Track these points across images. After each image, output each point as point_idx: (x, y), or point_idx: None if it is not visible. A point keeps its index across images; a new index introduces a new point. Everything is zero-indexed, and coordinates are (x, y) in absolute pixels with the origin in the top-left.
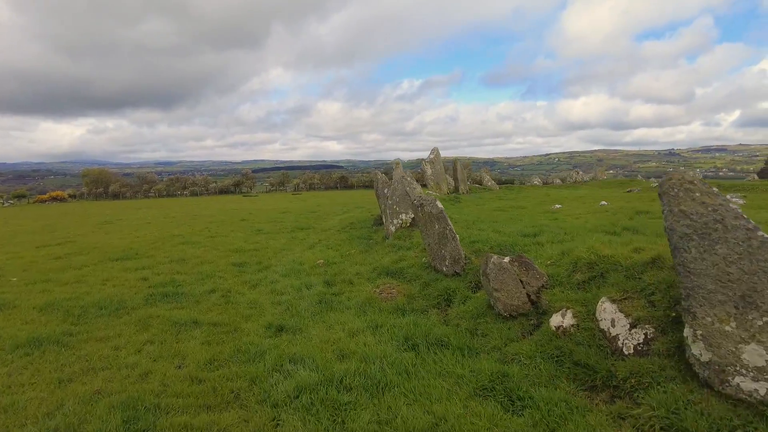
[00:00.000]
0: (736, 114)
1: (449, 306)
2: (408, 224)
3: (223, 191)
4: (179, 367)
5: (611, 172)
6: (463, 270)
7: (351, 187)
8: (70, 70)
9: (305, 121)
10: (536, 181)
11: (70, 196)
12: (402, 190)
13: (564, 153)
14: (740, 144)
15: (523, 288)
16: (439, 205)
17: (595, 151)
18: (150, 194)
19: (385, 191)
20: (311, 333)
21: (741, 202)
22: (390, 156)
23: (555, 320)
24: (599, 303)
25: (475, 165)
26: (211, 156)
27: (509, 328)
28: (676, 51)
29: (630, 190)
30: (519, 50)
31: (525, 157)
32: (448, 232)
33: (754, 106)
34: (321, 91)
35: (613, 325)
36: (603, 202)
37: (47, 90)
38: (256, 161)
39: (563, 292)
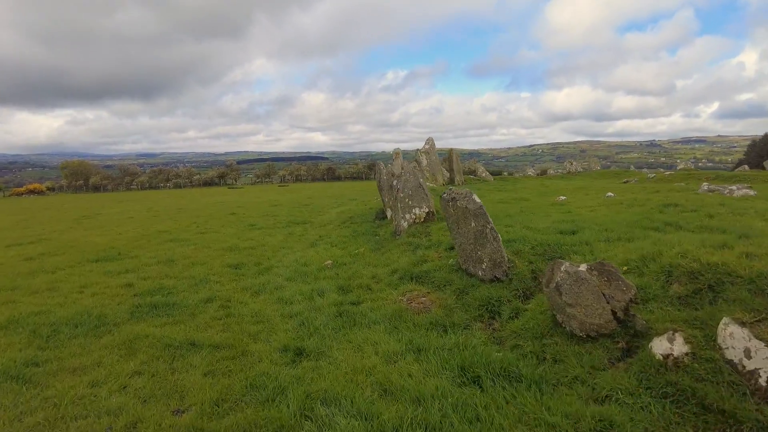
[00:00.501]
0: (715, 106)
1: (494, 319)
2: (422, 219)
3: (208, 183)
4: (177, 412)
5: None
6: (505, 275)
7: (338, 178)
8: (45, 59)
9: (289, 112)
10: (530, 171)
11: (48, 188)
12: (415, 182)
13: (548, 144)
14: (719, 135)
15: (607, 303)
16: (477, 199)
17: (579, 142)
18: (132, 186)
19: (394, 183)
20: (337, 358)
21: (752, 193)
22: (375, 147)
23: (660, 346)
24: (721, 326)
25: (460, 156)
26: (193, 147)
27: (589, 353)
28: (658, 43)
29: (626, 181)
30: (503, 41)
31: (509, 148)
32: (488, 231)
33: (732, 98)
34: (305, 82)
35: (748, 357)
36: (609, 194)
37: (22, 79)
38: (239, 153)
39: (662, 308)
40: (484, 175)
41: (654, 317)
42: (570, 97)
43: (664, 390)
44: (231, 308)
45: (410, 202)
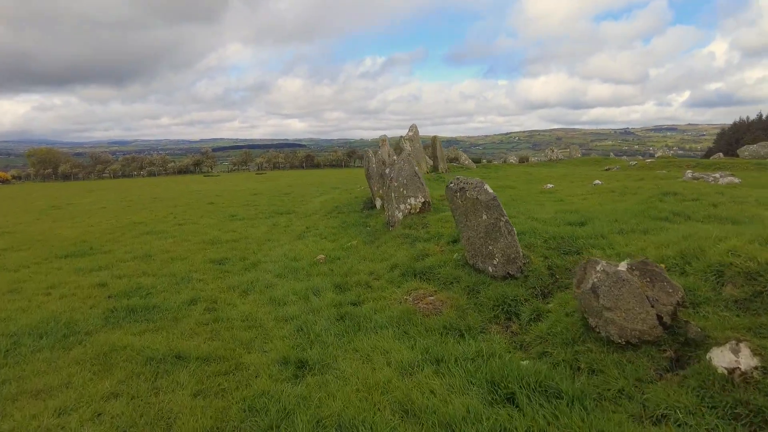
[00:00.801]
0: (686, 95)
1: (511, 321)
2: (418, 210)
3: (183, 171)
4: None
5: (565, 150)
6: (520, 272)
7: (317, 166)
8: (8, 43)
9: (265, 99)
10: (512, 159)
11: (14, 177)
12: (410, 171)
13: (524, 132)
14: (689, 124)
15: (651, 307)
16: (490, 190)
17: (554, 129)
18: (104, 175)
19: (386, 171)
20: (345, 370)
21: (737, 180)
22: (354, 134)
23: (722, 358)
24: None
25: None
26: (167, 135)
27: (631, 363)
28: (633, 32)
29: (608, 168)
30: (481, 28)
31: (486, 136)
32: (502, 224)
33: (702, 88)
34: (281, 68)
35: None
36: (597, 182)
37: None
38: (214, 140)
39: (717, 314)
40: (466, 162)
41: (709, 324)
42: (546, 85)
43: (734, 411)
44: (218, 311)
45: (405, 192)
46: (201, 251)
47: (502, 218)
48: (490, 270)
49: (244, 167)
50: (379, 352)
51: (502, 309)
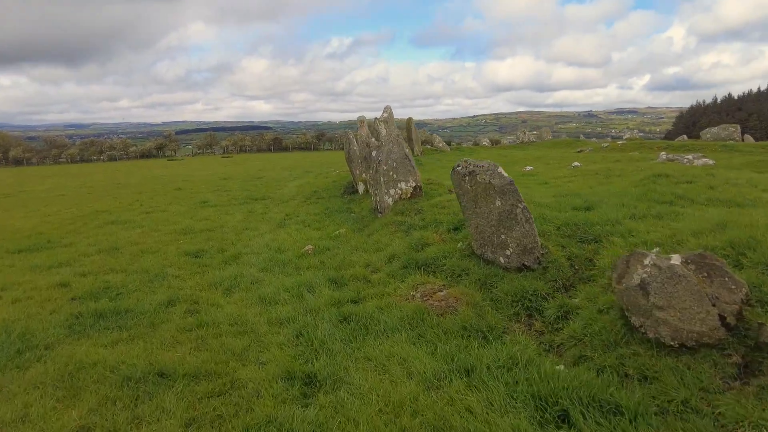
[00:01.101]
0: (646, 78)
1: (533, 318)
2: (409, 195)
3: (145, 155)
4: None
5: (535, 132)
6: (537, 263)
7: (286, 149)
8: None
9: (229, 80)
10: (485, 141)
11: None
12: (400, 154)
13: (491, 114)
14: (649, 107)
15: (712, 305)
16: (504, 173)
17: (520, 112)
18: (61, 160)
19: (373, 154)
20: (361, 386)
21: (711, 162)
22: (321, 117)
23: None
24: None
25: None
26: (127, 117)
27: (690, 369)
28: (596, 16)
29: (581, 150)
30: (448, 9)
31: (454, 119)
32: (519, 211)
33: (661, 72)
34: (246, 48)
35: None
36: (576, 163)
37: None
38: (177, 123)
39: None
40: (440, 145)
41: None
42: (513, 67)
43: None
44: (201, 313)
45: (395, 176)
46: (174, 242)
47: (519, 204)
48: (502, 261)
49: (209, 151)
50: (395, 360)
51: (522, 305)
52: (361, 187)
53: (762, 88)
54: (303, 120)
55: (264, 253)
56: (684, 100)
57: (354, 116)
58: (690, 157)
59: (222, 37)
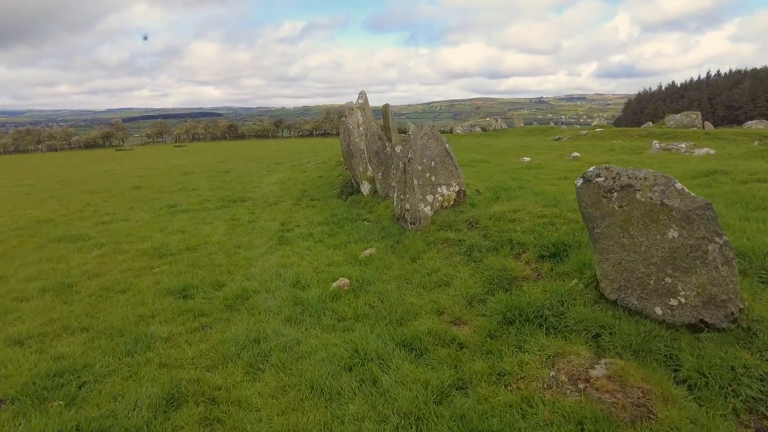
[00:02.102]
0: (593, 66)
1: (763, 419)
2: (452, 202)
3: (91, 145)
4: None
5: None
6: (731, 321)
7: (242, 137)
8: None
9: (177, 65)
10: (458, 129)
11: None
12: (440, 150)
13: (445, 101)
14: (597, 93)
15: None
16: (687, 190)
17: (473, 99)
18: None
19: (398, 150)
20: None
21: (713, 152)
22: (275, 103)
23: None
24: None
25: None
26: (67, 104)
27: None
28: (547, 3)
29: (558, 138)
30: None
31: (409, 105)
32: (713, 248)
33: (607, 59)
34: (194, 31)
35: None
36: (575, 154)
37: None
38: (123, 110)
39: None
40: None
41: None
42: (466, 54)
43: None
44: (227, 426)
45: (433, 178)
46: (147, 272)
47: (716, 239)
48: (660, 313)
49: (159, 139)
50: None
51: (739, 396)
52: (365, 187)
53: (702, 77)
54: (256, 106)
55: (279, 289)
56: (628, 88)
57: (309, 102)
58: (683, 146)
59: (168, 20)
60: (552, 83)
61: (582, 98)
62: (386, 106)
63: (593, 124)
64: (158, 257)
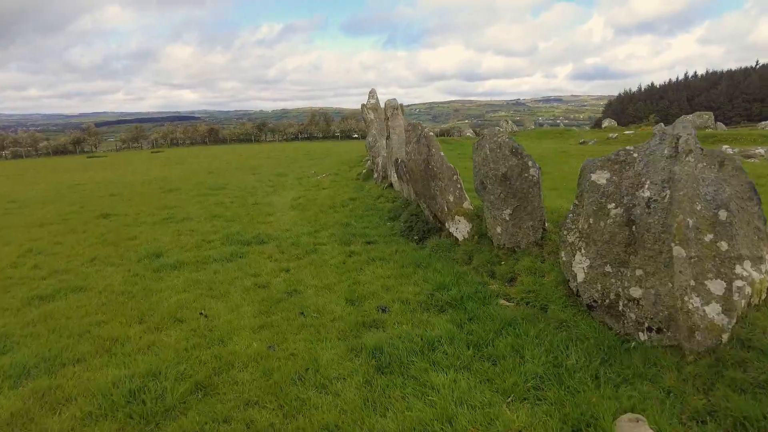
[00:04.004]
0: (569, 67)
1: None
2: (765, 296)
3: (60, 151)
4: None
5: (467, 121)
6: None
7: (223, 141)
8: None
9: (152, 68)
10: (468, 132)
11: None
12: (737, 188)
13: (424, 104)
14: (572, 95)
15: None
16: None
17: (452, 101)
18: None
19: (600, 180)
20: None
21: None
22: (253, 105)
23: None
24: None
25: (338, 116)
26: (38, 108)
27: None
28: (524, 5)
29: (584, 142)
30: None
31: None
32: None
33: (582, 61)
34: (169, 34)
35: None
36: None
37: None
38: (97, 114)
39: None
40: None
41: None
42: (444, 56)
43: None
44: None
45: (725, 246)
46: None
47: None
48: None
49: (135, 145)
50: None
51: None
52: (461, 227)
53: (680, 78)
54: (233, 109)
55: None
56: (603, 89)
57: (288, 105)
58: (761, 150)
59: (142, 22)
60: (529, 85)
61: (558, 100)
62: (400, 106)
63: (604, 125)
64: (142, 421)
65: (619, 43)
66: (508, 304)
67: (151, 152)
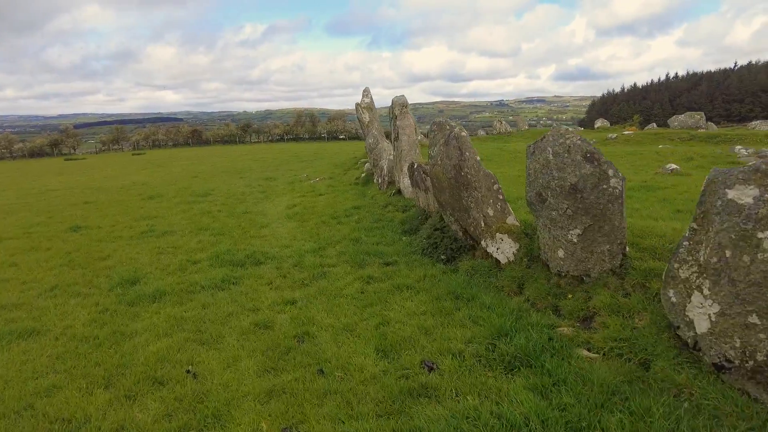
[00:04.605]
0: (552, 68)
1: None
2: None
3: (36, 153)
4: None
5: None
6: None
7: (206, 142)
8: None
9: (133, 68)
10: (481, 132)
11: None
12: None
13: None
14: (555, 95)
15: None
16: None
17: (436, 102)
18: None
19: (746, 199)
20: None
21: None
22: (236, 106)
23: None
24: None
25: (325, 116)
26: (15, 109)
27: None
28: (507, 7)
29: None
30: None
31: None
32: None
33: (565, 62)
34: (150, 34)
35: None
36: (672, 166)
37: None
38: (77, 115)
39: None
40: (420, 137)
41: None
42: (428, 57)
43: None
44: None
45: None
46: None
47: None
48: None
49: (116, 146)
50: None
51: None
52: (505, 248)
53: (662, 79)
54: (217, 110)
55: None
56: (585, 90)
57: (272, 105)
58: (739, 149)
59: (122, 22)
60: (512, 86)
61: (541, 100)
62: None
63: (597, 126)
64: None
65: (600, 45)
66: (592, 356)
67: (132, 154)
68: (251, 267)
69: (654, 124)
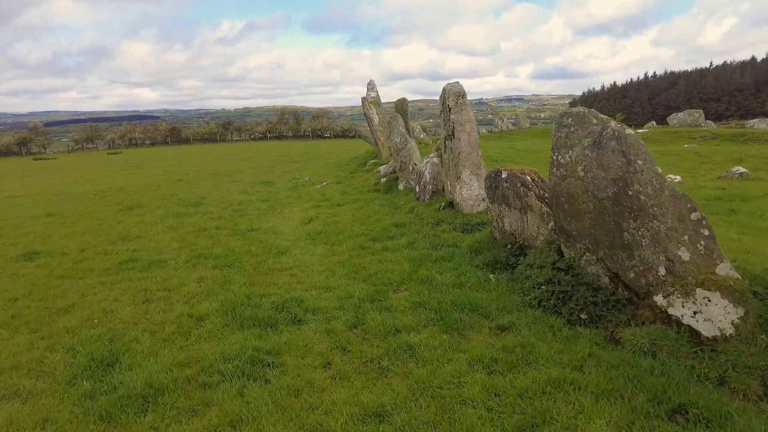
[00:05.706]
0: (530, 67)
1: None
2: None
3: (3, 153)
4: None
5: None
6: None
7: (186, 141)
8: None
9: (108, 65)
10: (483, 129)
11: None
12: None
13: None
14: (533, 94)
15: None
16: None
17: (416, 101)
18: None
19: None
20: None
21: None
22: (214, 104)
23: None
24: None
25: (306, 114)
26: None
27: None
28: (485, 6)
29: None
30: None
31: (354, 106)
32: None
33: (543, 61)
34: (125, 30)
35: None
36: (740, 169)
37: None
38: (48, 113)
39: None
40: (422, 136)
41: None
42: (408, 56)
43: None
44: None
45: None
46: None
47: None
48: None
49: (90, 145)
50: None
51: None
52: (715, 313)
53: (641, 77)
54: (194, 108)
55: None
56: (563, 88)
57: (251, 103)
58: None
59: (95, 18)
60: (491, 84)
61: (520, 99)
62: (403, 100)
63: (646, 127)
64: None
65: (578, 44)
66: None
67: (108, 153)
68: (287, 329)
69: (654, 122)
